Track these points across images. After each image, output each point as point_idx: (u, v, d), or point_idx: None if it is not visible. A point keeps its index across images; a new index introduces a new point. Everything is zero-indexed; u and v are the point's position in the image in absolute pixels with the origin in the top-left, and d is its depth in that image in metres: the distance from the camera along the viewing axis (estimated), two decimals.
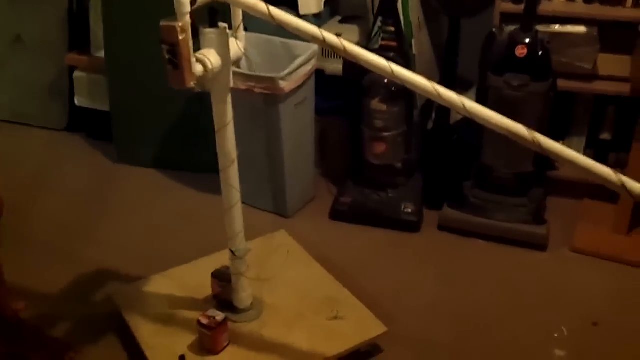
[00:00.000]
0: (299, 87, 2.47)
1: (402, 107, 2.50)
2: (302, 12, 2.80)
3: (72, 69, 3.20)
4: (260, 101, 2.44)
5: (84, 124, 3.29)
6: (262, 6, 1.53)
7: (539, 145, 1.39)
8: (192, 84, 1.57)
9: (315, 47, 2.50)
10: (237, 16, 1.74)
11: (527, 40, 2.30)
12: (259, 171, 2.61)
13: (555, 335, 2.13)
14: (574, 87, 2.58)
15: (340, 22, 2.94)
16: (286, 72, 2.38)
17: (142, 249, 2.52)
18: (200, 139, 2.92)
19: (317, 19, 2.85)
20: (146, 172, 3.04)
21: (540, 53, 2.32)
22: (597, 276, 2.40)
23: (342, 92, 2.83)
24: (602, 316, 2.20)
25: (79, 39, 3.17)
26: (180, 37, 1.51)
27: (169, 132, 3.00)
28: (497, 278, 2.40)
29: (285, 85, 2.38)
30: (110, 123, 3.08)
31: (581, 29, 2.46)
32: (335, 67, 2.73)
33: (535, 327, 2.17)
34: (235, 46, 1.73)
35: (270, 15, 1.52)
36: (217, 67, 1.64)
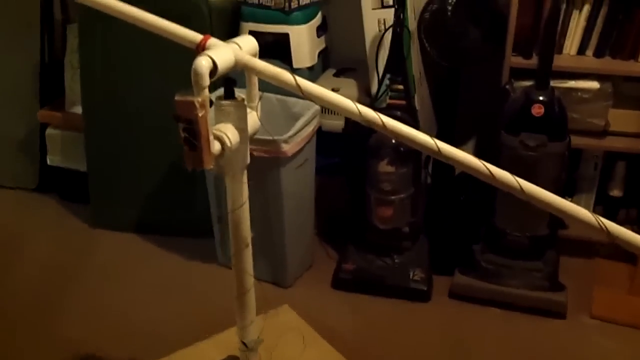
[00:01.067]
0: (301, 149, 2.30)
1: (411, 168, 2.35)
2: (295, 65, 2.64)
3: (43, 125, 2.96)
4: (259, 164, 2.24)
5: (57, 184, 3.05)
6: (288, 76, 1.36)
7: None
8: (211, 166, 1.38)
9: (316, 106, 2.34)
10: (253, 84, 1.56)
11: (544, 98, 2.18)
12: (255, 237, 2.40)
13: None
14: (585, 144, 2.47)
15: (335, 75, 2.79)
16: (289, 134, 2.21)
17: (127, 328, 2.28)
18: (185, 200, 2.71)
19: (310, 72, 2.70)
20: (126, 237, 2.81)
21: (557, 111, 2.20)
22: (617, 344, 2.26)
23: (339, 148, 2.67)
24: None
25: (51, 94, 2.95)
26: (200, 114, 1.32)
27: (151, 192, 2.79)
28: (514, 349, 2.25)
29: (288, 149, 2.21)
30: (85, 183, 2.85)
31: (594, 84, 2.36)
32: (333, 123, 2.57)
33: None
34: (253, 118, 1.54)
35: (298, 87, 1.35)
36: (235, 145, 1.45)
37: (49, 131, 2.94)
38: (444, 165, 2.61)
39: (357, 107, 1.34)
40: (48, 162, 2.97)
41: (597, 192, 2.64)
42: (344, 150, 2.65)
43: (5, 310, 2.37)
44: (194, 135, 1.34)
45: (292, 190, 2.34)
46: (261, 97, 1.59)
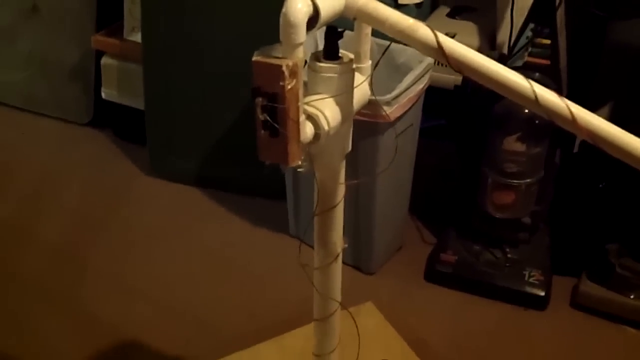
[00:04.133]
0: (406, 111, 1.80)
1: (545, 148, 1.83)
2: (401, 0, 2.13)
3: (99, 53, 2.54)
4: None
5: (112, 120, 2.65)
6: (424, 32, 0.88)
7: None
8: (299, 162, 0.92)
9: (429, 58, 1.83)
10: (366, 37, 1.07)
11: None
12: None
13: None
14: None
15: (449, 15, 2.26)
16: (393, 94, 1.71)
17: (170, 310, 1.89)
18: (255, 155, 2.27)
19: (418, 9, 2.18)
20: (185, 190, 2.41)
21: None
22: None
23: (447, 107, 2.17)
24: None
25: (109, 16, 2.51)
26: (288, 86, 0.86)
27: (217, 141, 2.36)
28: None
29: (391, 112, 1.72)
30: (143, 124, 2.44)
31: None
32: (446, 78, 2.06)
33: None
34: (363, 88, 1.07)
35: (441, 50, 0.87)
36: (334, 128, 0.99)
37: (105, 60, 2.52)
38: (587, 149, 2.10)
39: (532, 86, 0.87)
40: (103, 95, 2.57)
41: None
42: (454, 110, 2.14)
43: (23, 271, 2.02)
44: (278, 116, 0.88)
45: (389, 160, 1.87)
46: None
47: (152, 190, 2.42)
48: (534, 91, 0.90)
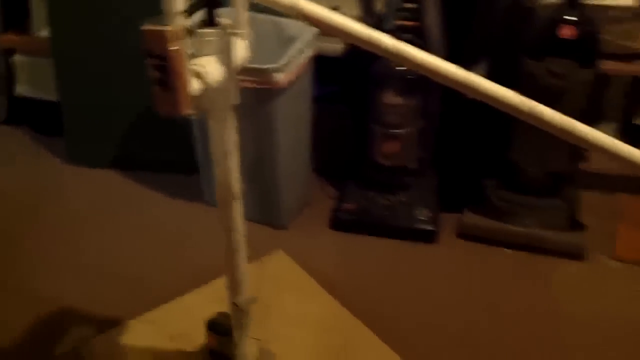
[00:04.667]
0: (297, 78, 2.03)
1: (419, 99, 2.09)
2: None
3: (9, 51, 2.66)
4: (248, 98, 1.97)
5: (27, 116, 2.77)
6: None
7: None
8: (188, 110, 1.13)
9: (313, 28, 2.06)
10: (241, 5, 1.29)
11: (574, 18, 1.91)
12: (247, 177, 2.17)
13: None
14: (615, 69, 2.21)
15: None
16: (282, 61, 1.93)
17: (105, 279, 2.07)
18: (168, 133, 2.45)
19: None
20: (104, 173, 2.57)
21: (589, 33, 1.93)
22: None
23: (338, 75, 2.40)
24: None
25: (15, 16, 2.63)
26: (172, 47, 1.07)
27: (130, 125, 2.52)
28: (528, 293, 2.06)
29: (282, 78, 1.94)
30: (59, 115, 2.58)
31: (630, 1, 2.08)
32: (332, 47, 2.29)
33: (579, 352, 1.84)
34: (242, 48, 1.28)
35: (300, 9, 1.10)
36: (218, 81, 1.20)
37: (16, 58, 2.65)
38: (454, 93, 2.37)
39: (383, 39, 1.10)
40: (16, 92, 2.69)
41: (622, 121, 2.41)
42: (344, 77, 2.38)
43: None
44: (167, 73, 1.09)
45: (286, 124, 2.10)
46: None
47: (73, 177, 2.57)
48: (383, 42, 1.11)
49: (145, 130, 2.50)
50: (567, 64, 1.94)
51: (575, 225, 2.20)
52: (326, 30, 1.15)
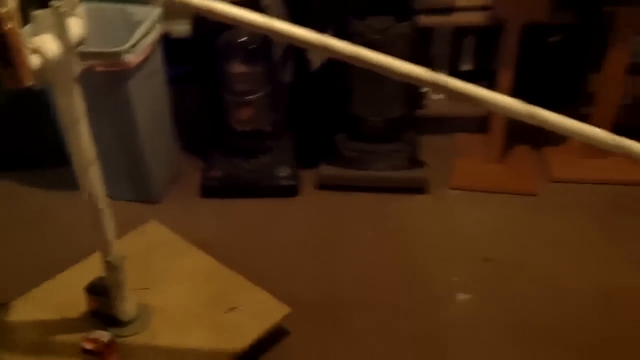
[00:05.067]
0: (147, 58, 2.19)
1: (264, 66, 2.30)
2: None
3: None
4: (103, 81, 2.13)
5: None
6: None
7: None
8: (31, 82, 1.28)
9: (158, 10, 2.22)
10: None
11: None
12: (113, 159, 2.31)
13: (455, 279, 2.09)
14: (434, 22, 2.50)
15: None
16: (130, 43, 2.08)
17: None
18: (34, 128, 2.54)
19: None
20: None
21: None
22: (480, 210, 2.39)
23: (191, 55, 2.57)
24: (492, 250, 2.19)
25: None
26: (7, 27, 1.21)
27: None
28: (384, 228, 2.33)
29: (131, 59, 2.09)
30: None
31: None
32: (181, 28, 2.46)
33: (432, 273, 2.12)
34: (76, 25, 1.43)
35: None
36: (57, 55, 1.35)
37: None
38: (302, 59, 2.60)
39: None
40: None
41: (449, 69, 2.72)
42: (195, 56, 2.55)
43: None
44: (6, 50, 1.23)
45: (144, 103, 2.25)
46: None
47: None
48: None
49: (8, 128, 2.56)
50: (385, 20, 2.20)
51: (417, 164, 2.48)
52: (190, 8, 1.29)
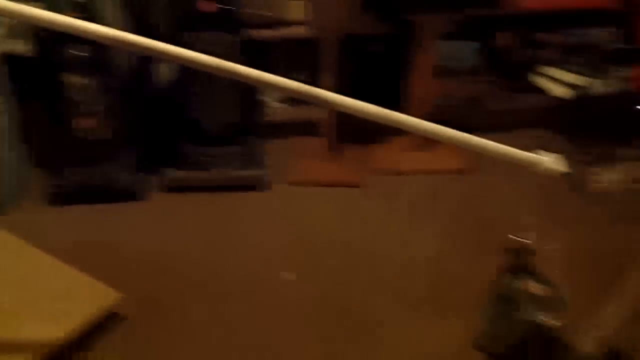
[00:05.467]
0: None
1: (104, 77, 2.45)
2: None
3: None
4: None
5: None
6: None
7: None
8: None
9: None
10: None
11: None
12: None
13: (282, 260, 2.32)
14: (263, 35, 2.74)
15: None
16: None
17: None
18: None
19: None
20: None
21: (227, 6, 2.42)
22: (311, 201, 2.63)
23: (34, 72, 2.68)
24: (319, 235, 2.44)
25: None
26: None
27: None
28: (226, 222, 2.52)
29: None
30: None
31: None
32: (23, 47, 2.57)
33: (263, 256, 2.34)
34: None
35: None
36: None
37: None
38: (145, 73, 2.77)
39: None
40: None
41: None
42: (38, 72, 2.66)
43: None
44: None
45: None
46: None
47: None
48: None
49: None
50: (215, 34, 2.42)
51: (257, 163, 2.70)
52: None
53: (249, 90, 2.74)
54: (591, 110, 2.65)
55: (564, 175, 1.64)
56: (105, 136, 2.56)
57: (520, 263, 1.85)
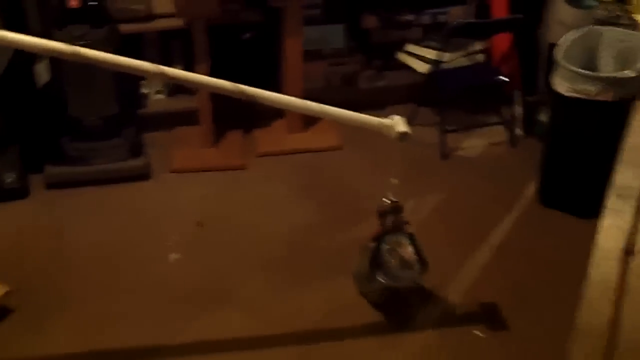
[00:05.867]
0: None
1: None
2: None
3: None
4: None
5: None
6: None
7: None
8: None
9: None
10: None
11: None
12: None
13: (168, 243, 2.41)
14: (136, 29, 2.81)
15: None
16: None
17: None
18: None
19: None
20: None
21: (91, 2, 2.48)
22: (196, 187, 2.74)
23: None
24: (204, 217, 2.54)
25: None
26: None
27: None
28: (111, 213, 2.59)
29: None
30: None
31: None
32: None
33: (151, 242, 2.43)
34: None
35: None
36: None
37: None
38: (23, 73, 2.77)
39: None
40: None
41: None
42: None
43: None
44: None
45: None
46: None
47: None
48: None
49: None
50: (82, 27, 2.47)
51: (137, 154, 2.77)
52: None
53: (127, 82, 2.80)
54: (448, 82, 2.85)
55: (403, 134, 1.81)
56: None
57: (390, 224, 2.02)
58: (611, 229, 1.28)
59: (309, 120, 2.98)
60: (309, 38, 2.95)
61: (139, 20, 2.81)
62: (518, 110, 3.03)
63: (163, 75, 1.72)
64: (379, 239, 2.02)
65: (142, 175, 2.74)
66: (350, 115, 1.87)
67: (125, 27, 2.73)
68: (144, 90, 3.06)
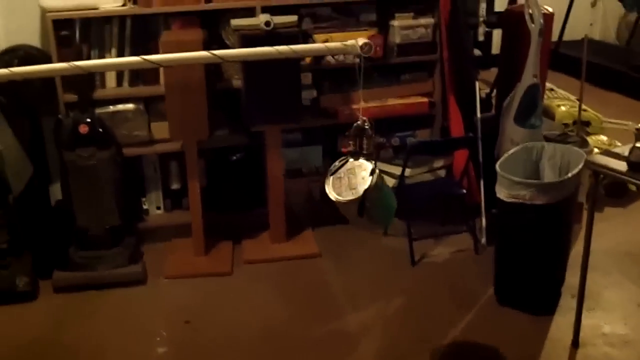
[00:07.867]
0: None
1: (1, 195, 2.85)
2: None
3: None
4: None
5: None
6: None
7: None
8: None
9: None
10: None
11: (87, 120, 2.88)
12: None
13: (158, 338, 2.69)
14: (138, 152, 3.23)
15: None
16: None
17: None
18: None
19: None
20: None
21: (99, 127, 2.92)
22: (187, 290, 3.04)
23: None
24: (192, 316, 2.83)
25: None
26: None
27: None
28: (108, 315, 2.88)
29: None
30: None
31: (129, 106, 3.14)
32: None
33: (143, 338, 2.71)
34: None
35: None
36: None
37: None
38: (38, 190, 3.17)
39: None
40: None
41: (163, 188, 3.43)
42: None
43: None
44: None
45: None
46: None
47: None
48: None
49: None
50: (89, 150, 2.89)
51: (134, 262, 3.10)
52: None
53: (129, 197, 3.19)
54: (413, 195, 3.20)
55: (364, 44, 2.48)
56: (1, 246, 2.92)
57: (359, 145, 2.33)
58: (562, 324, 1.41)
59: (291, 232, 3.33)
60: (290, 158, 3.36)
61: (141, 145, 3.23)
62: (483, 220, 3.34)
63: None
64: (346, 156, 2.34)
65: (138, 280, 3.05)
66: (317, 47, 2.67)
67: (128, 150, 3.14)
68: (145, 206, 3.43)
